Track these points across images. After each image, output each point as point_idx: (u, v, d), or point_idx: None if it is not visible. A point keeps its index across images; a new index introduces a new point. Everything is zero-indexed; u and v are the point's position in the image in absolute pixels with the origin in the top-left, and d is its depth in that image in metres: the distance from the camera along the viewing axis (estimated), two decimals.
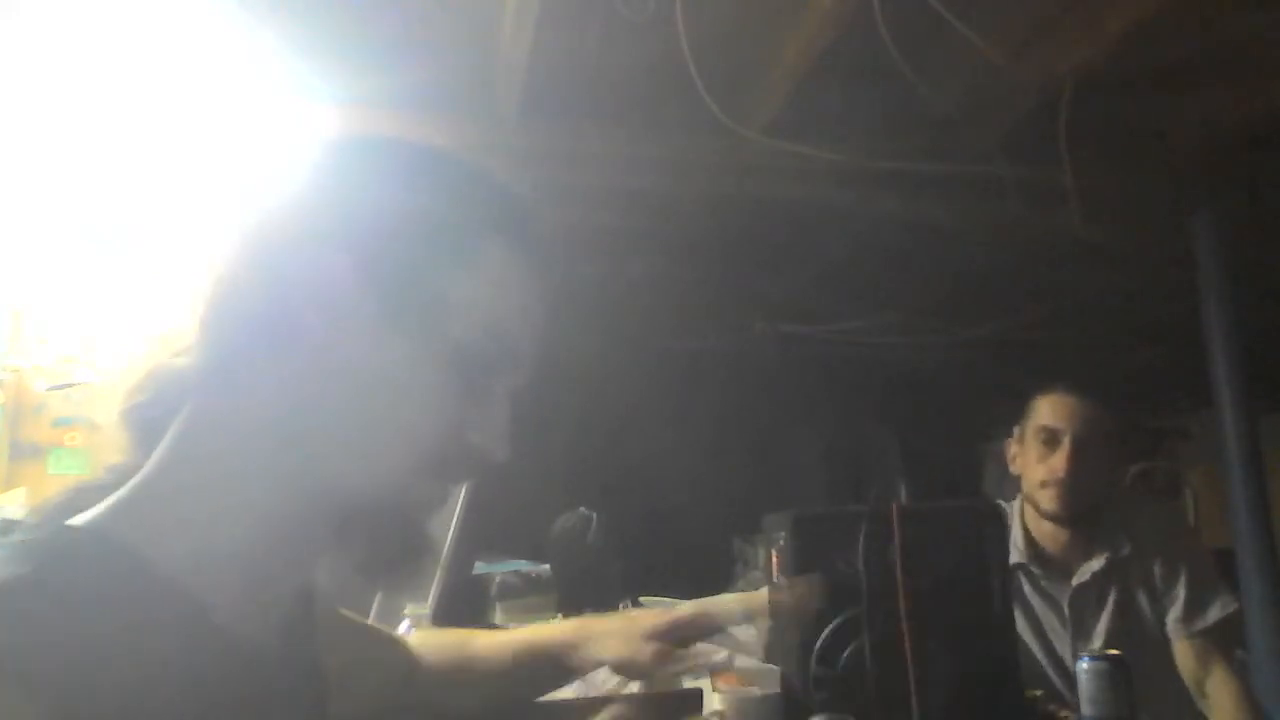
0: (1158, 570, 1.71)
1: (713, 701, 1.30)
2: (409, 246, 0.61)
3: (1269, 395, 3.24)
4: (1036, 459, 1.73)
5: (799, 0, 1.77)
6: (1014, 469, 1.80)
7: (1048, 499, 1.70)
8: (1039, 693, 1.53)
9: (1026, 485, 1.77)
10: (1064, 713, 1.51)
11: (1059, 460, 1.69)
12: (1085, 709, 1.23)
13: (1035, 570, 1.74)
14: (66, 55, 1.74)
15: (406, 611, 1.60)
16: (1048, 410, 1.74)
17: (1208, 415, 2.47)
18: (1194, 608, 1.67)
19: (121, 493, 0.58)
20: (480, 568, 2.17)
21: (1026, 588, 1.75)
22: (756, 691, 1.26)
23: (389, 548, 0.63)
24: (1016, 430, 1.80)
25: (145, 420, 0.62)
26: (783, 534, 1.28)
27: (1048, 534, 1.74)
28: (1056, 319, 3.34)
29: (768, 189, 2.32)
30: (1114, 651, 1.28)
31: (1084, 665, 1.25)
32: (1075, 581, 1.71)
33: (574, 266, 2.76)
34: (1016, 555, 1.75)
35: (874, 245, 2.74)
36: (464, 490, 1.74)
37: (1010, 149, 2.18)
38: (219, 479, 0.59)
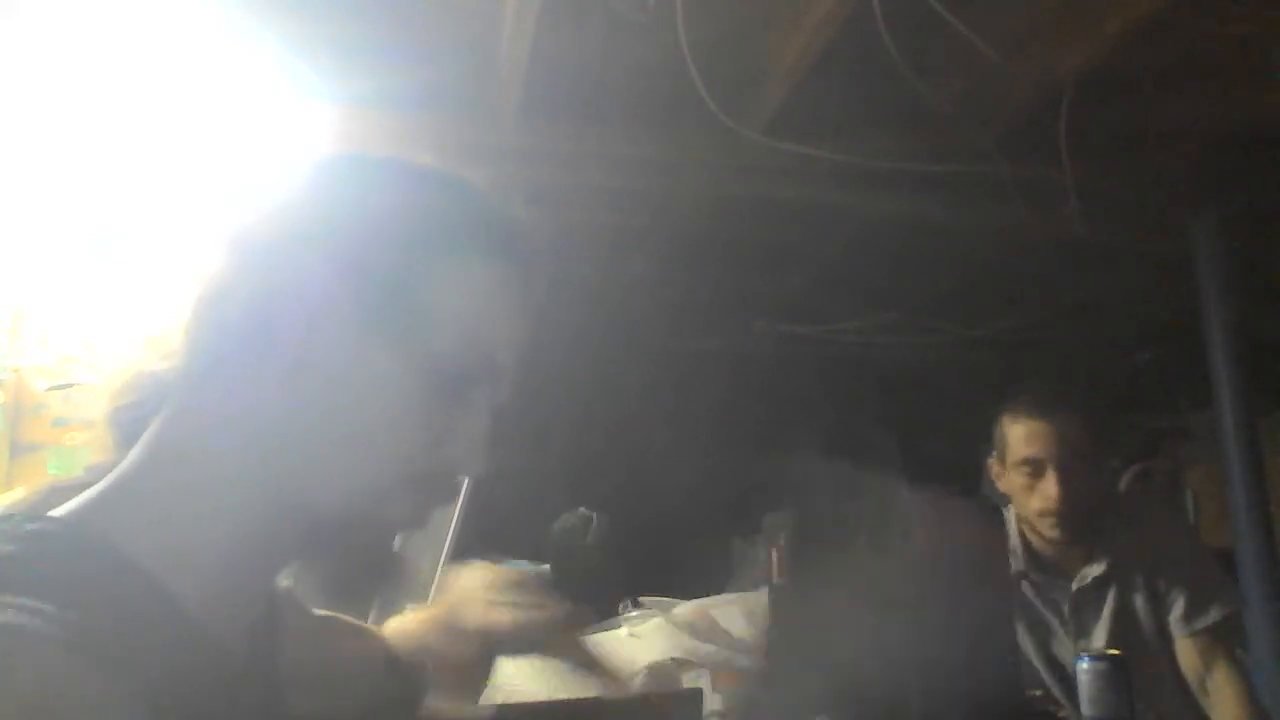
0: (1159, 570, 1.70)
1: (713, 701, 1.30)
2: (392, 258, 0.62)
3: (1269, 395, 3.24)
4: (1025, 488, 1.68)
5: (799, 0, 1.77)
6: (1000, 487, 1.77)
7: (1048, 527, 1.67)
8: (1039, 693, 1.53)
9: (1021, 511, 1.72)
10: (1062, 713, 1.52)
11: (1049, 489, 1.63)
12: (1085, 709, 1.23)
13: (1036, 577, 1.74)
14: (67, 56, 1.74)
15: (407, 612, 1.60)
16: (1024, 440, 1.68)
17: (1208, 415, 2.47)
18: (1196, 606, 1.67)
19: (96, 489, 0.59)
20: None
21: (1027, 592, 1.75)
22: (757, 691, 1.26)
23: (354, 563, 0.63)
24: (995, 453, 1.76)
25: (129, 422, 0.63)
26: (783, 534, 1.28)
27: (1047, 544, 1.73)
28: (1056, 319, 3.34)
29: (768, 189, 2.32)
30: (1114, 651, 1.29)
31: (1084, 665, 1.25)
32: (1076, 585, 1.70)
33: (574, 266, 2.76)
34: (1015, 563, 1.73)
35: (874, 245, 2.74)
36: (464, 490, 1.74)
37: (1010, 149, 2.17)
38: (191, 481, 0.59)
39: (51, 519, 0.56)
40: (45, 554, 0.53)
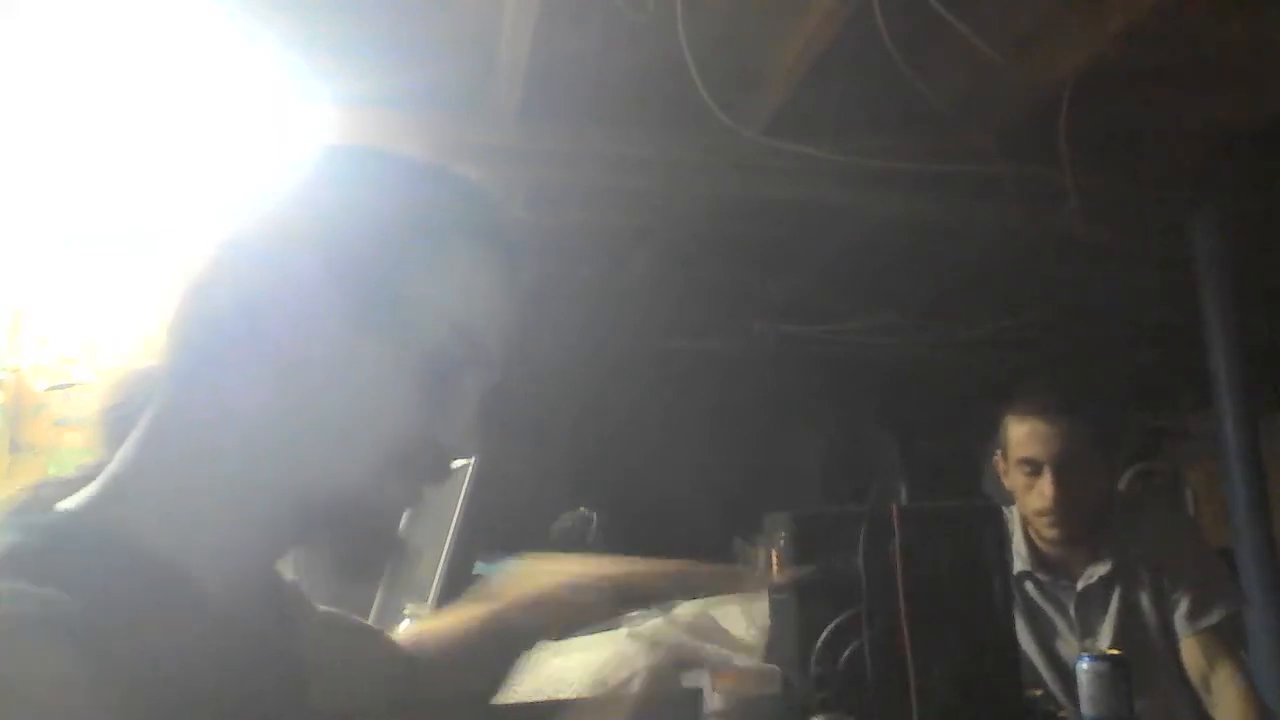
0: (1163, 569, 1.70)
1: (713, 701, 1.30)
2: (377, 248, 0.62)
3: (1269, 395, 3.24)
4: (1025, 487, 1.69)
5: (799, 0, 1.77)
6: (1006, 484, 1.78)
7: (1044, 526, 1.69)
8: (1039, 692, 1.53)
9: (1022, 509, 1.74)
10: (1063, 713, 1.51)
11: (1045, 489, 1.65)
12: (1085, 709, 1.23)
13: (1041, 577, 1.74)
14: (67, 56, 1.74)
15: (406, 610, 1.60)
16: (1024, 441, 1.69)
17: (1208, 415, 2.48)
18: (1200, 605, 1.67)
19: (93, 487, 0.59)
20: (480, 568, 2.17)
21: (1032, 593, 1.75)
22: (756, 691, 1.26)
23: (357, 546, 0.64)
24: (999, 451, 1.77)
25: (117, 421, 0.63)
26: (783, 534, 1.28)
27: (1049, 543, 1.74)
28: (1056, 319, 3.34)
29: (768, 189, 2.32)
30: (1114, 651, 1.29)
31: (1084, 665, 1.24)
32: (1081, 585, 1.70)
33: (574, 266, 2.76)
34: (1020, 563, 1.74)
35: (874, 245, 2.74)
36: (464, 490, 1.74)
37: (1010, 149, 2.18)
38: (186, 475, 0.60)
39: (61, 513, 0.57)
40: (61, 544, 0.53)
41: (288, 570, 0.72)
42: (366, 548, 0.64)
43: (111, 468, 0.60)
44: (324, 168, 0.67)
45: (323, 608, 0.83)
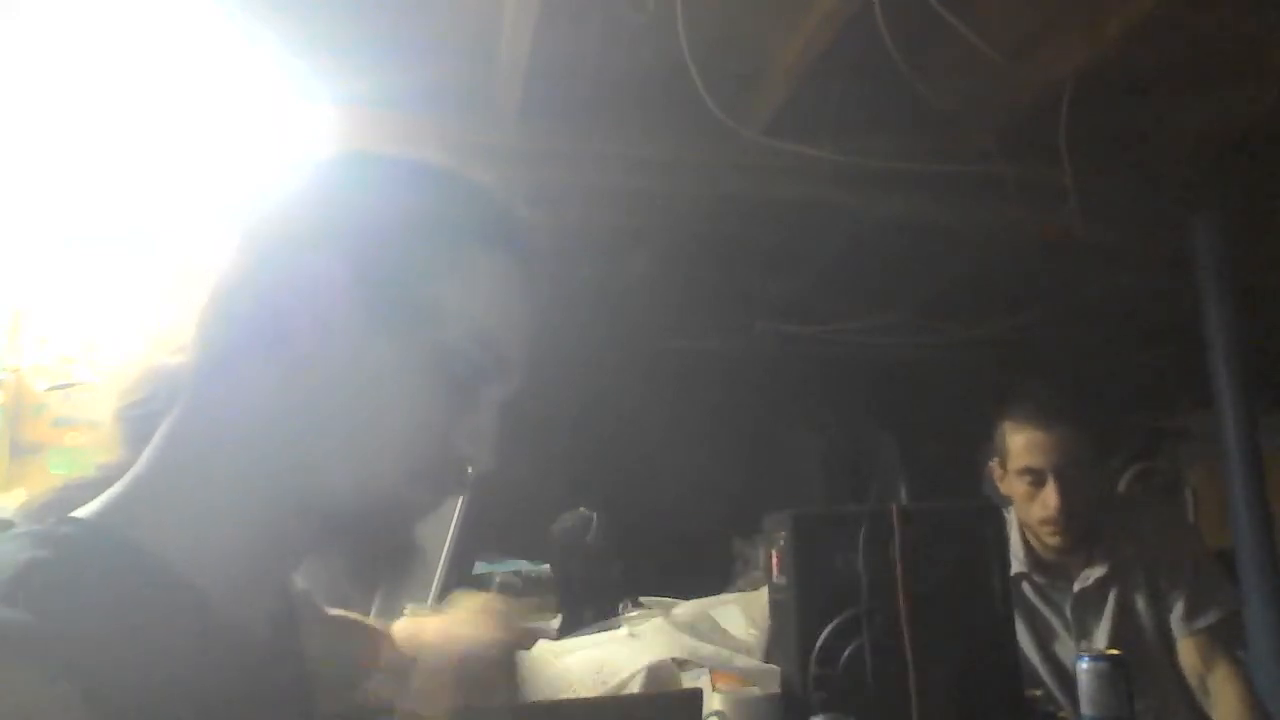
0: (1160, 570, 1.70)
1: (713, 701, 1.31)
2: (401, 254, 0.62)
3: (1269, 395, 3.24)
4: (1026, 496, 1.69)
5: (799, 0, 1.77)
6: (1002, 490, 1.78)
7: (1048, 534, 1.68)
8: (1038, 693, 1.53)
9: (1023, 517, 1.73)
10: (1062, 714, 1.52)
11: (1049, 499, 1.65)
12: (1085, 709, 1.23)
13: (1038, 579, 1.74)
14: (67, 56, 1.74)
15: (407, 611, 1.60)
16: (1025, 450, 1.68)
17: (1208, 415, 2.48)
18: (1196, 606, 1.67)
19: (115, 490, 0.60)
20: (480, 568, 2.18)
21: (1029, 594, 1.75)
22: (756, 691, 1.26)
23: (374, 551, 0.64)
24: (997, 457, 1.77)
25: (138, 419, 0.63)
26: (783, 534, 1.28)
27: (1048, 548, 1.74)
28: (1056, 319, 3.34)
29: (768, 189, 2.32)
30: (1113, 651, 1.29)
31: (1083, 665, 1.25)
32: (1077, 586, 1.71)
33: (574, 266, 2.76)
34: (1018, 565, 1.74)
35: (874, 245, 2.74)
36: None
37: (1010, 149, 2.18)
38: (207, 477, 0.60)
39: (79, 521, 0.57)
40: (75, 556, 0.54)
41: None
42: (381, 554, 0.64)
43: (135, 469, 0.61)
44: (346, 171, 0.68)
45: (331, 610, 0.84)
